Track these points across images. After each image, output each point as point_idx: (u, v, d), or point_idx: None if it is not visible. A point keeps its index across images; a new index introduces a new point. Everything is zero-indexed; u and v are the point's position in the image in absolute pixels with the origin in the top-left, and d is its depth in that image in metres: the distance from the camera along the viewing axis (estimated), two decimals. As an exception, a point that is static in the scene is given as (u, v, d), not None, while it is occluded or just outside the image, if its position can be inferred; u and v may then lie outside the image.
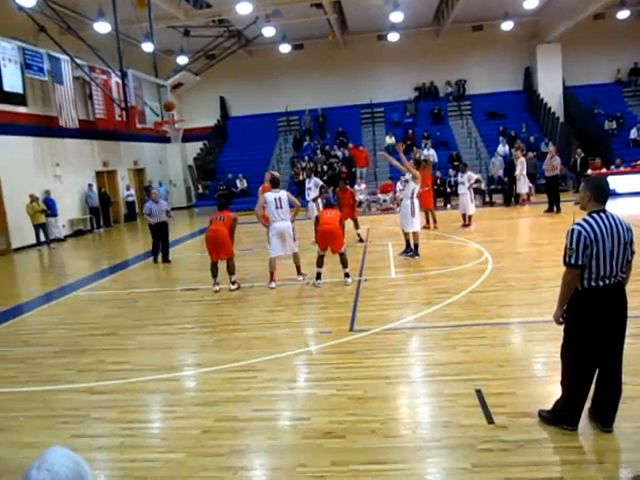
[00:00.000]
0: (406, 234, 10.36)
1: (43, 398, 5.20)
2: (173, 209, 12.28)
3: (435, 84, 26.65)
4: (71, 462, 1.46)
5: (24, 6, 14.22)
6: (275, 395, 4.85)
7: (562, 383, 3.89)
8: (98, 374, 5.67)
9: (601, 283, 3.60)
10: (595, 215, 3.60)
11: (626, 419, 3.85)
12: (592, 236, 3.53)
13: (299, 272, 9.26)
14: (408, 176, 10.19)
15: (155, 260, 12.20)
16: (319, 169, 22.47)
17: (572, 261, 3.58)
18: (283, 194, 8.95)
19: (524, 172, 17.03)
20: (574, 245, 3.57)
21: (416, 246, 10.27)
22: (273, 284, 8.94)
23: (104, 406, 4.88)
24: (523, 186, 17.27)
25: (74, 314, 8.36)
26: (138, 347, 6.53)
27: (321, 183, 12.77)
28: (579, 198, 3.80)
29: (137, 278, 11.01)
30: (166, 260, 12.16)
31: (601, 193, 3.65)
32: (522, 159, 17.15)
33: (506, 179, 18.30)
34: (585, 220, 3.60)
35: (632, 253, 3.69)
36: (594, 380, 3.80)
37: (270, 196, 8.88)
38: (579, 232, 3.55)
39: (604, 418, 3.79)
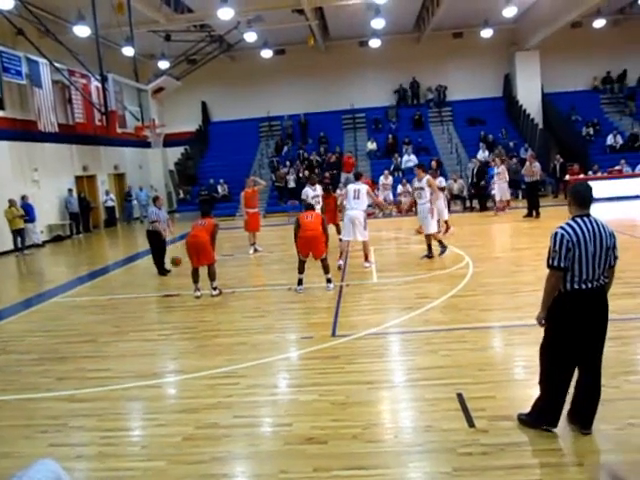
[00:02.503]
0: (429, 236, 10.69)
1: (21, 406, 5.12)
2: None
3: (416, 90, 26.87)
4: (52, 478, 1.44)
5: (1, 8, 14.03)
6: (257, 401, 4.83)
7: (540, 382, 3.96)
8: (78, 382, 5.59)
9: (583, 286, 3.66)
10: (578, 219, 3.68)
11: (604, 421, 3.90)
12: (574, 239, 3.61)
13: (367, 259, 10.18)
14: (423, 183, 10.56)
15: (161, 272, 10.94)
16: (300, 174, 22.47)
17: (555, 263, 3.66)
18: (362, 187, 10.06)
19: (505, 178, 16.77)
20: (557, 248, 3.64)
21: (429, 247, 10.61)
22: (340, 262, 10.10)
23: (83, 414, 4.82)
24: (499, 192, 16.90)
25: (53, 321, 8.23)
26: (118, 354, 6.45)
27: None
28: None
29: (117, 284, 10.89)
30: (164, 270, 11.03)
31: (581, 198, 3.73)
32: (502, 167, 16.96)
33: (482, 183, 18.41)
34: (568, 224, 3.69)
35: (615, 258, 3.75)
36: (574, 383, 3.86)
37: (351, 187, 10.10)
38: (562, 235, 3.63)
39: (583, 420, 3.85)
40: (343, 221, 10.27)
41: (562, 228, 3.67)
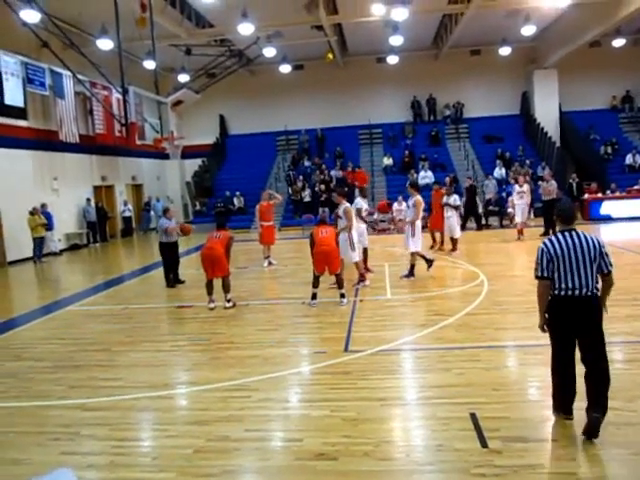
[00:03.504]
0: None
1: (33, 414, 5.15)
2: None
3: (432, 106, 26.93)
4: None
5: (28, 22, 14.35)
6: (268, 415, 4.81)
7: (551, 373, 4.32)
8: (90, 390, 5.62)
9: (570, 293, 4.00)
10: (559, 234, 4.11)
11: (620, 445, 3.84)
12: (552, 252, 4.03)
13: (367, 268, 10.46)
14: (410, 203, 10.56)
15: (169, 284, 11.01)
16: (316, 189, 22.53)
17: (538, 273, 4.13)
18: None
19: (528, 198, 15.50)
20: (539, 260, 4.11)
21: (412, 267, 10.35)
22: (367, 282, 9.92)
23: (95, 423, 4.83)
24: (520, 213, 15.40)
25: (68, 329, 8.30)
26: (131, 364, 6.48)
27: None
28: None
29: (132, 294, 10.96)
30: (179, 281, 11.20)
31: (565, 215, 4.15)
32: (526, 186, 15.66)
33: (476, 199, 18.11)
34: (549, 238, 4.14)
35: (607, 265, 4.02)
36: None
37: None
38: (542, 249, 4.09)
39: (595, 406, 3.90)
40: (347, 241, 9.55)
41: (544, 242, 4.12)
